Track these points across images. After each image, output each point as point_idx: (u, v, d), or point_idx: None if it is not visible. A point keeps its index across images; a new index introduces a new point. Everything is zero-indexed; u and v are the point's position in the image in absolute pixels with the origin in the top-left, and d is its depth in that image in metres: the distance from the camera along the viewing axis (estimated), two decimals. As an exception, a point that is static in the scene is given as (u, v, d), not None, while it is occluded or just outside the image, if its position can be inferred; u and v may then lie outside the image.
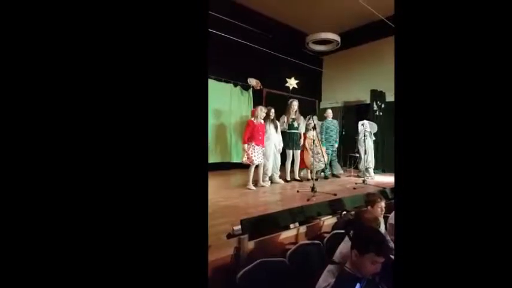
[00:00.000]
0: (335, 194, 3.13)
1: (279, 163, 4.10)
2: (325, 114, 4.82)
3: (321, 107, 7.45)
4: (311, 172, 4.34)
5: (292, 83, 4.09)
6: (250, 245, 1.77)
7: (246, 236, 1.70)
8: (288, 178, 4.23)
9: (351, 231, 1.36)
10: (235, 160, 5.32)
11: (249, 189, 3.57)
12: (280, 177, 4.16)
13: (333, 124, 4.75)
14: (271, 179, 4.02)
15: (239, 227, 1.80)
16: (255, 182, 3.74)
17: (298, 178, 4.31)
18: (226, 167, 5.20)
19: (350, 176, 4.93)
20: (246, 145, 3.62)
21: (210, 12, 4.21)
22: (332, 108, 6.83)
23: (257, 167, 3.73)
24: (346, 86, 6.72)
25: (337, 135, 4.78)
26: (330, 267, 1.46)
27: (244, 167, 4.99)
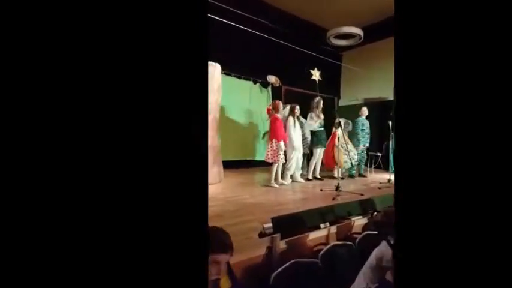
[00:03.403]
0: (362, 194, 3.03)
1: (301, 161, 4.02)
2: (360, 112, 4.70)
3: (340, 104, 7.29)
4: (339, 169, 4.26)
5: (316, 74, 3.99)
6: (282, 244, 1.72)
7: (278, 235, 1.66)
8: (310, 177, 4.15)
9: (390, 238, 1.26)
10: (256, 158, 5.29)
11: (272, 186, 3.53)
12: (301, 175, 4.09)
13: (366, 123, 4.63)
14: (292, 177, 3.96)
15: (269, 225, 1.75)
16: (277, 180, 3.69)
17: (319, 177, 4.23)
18: (245, 164, 5.18)
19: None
20: (281, 143, 3.51)
21: (231, 8, 4.18)
22: (352, 106, 6.70)
23: (280, 164, 3.67)
24: (367, 83, 6.53)
25: (369, 135, 4.66)
26: (364, 270, 1.40)
27: (263, 164, 4.96)
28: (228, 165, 4.41)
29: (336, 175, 4.25)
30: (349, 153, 3.92)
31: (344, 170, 4.36)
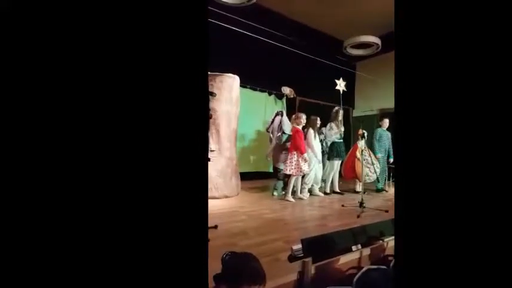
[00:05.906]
0: (387, 211, 2.89)
1: (321, 174, 3.90)
2: (380, 123, 4.51)
3: (354, 114, 7.16)
4: (359, 184, 4.08)
5: (342, 85, 3.85)
6: (312, 269, 1.61)
7: (309, 260, 1.55)
8: (328, 191, 4.02)
9: None
10: (271, 170, 5.18)
11: (288, 201, 3.41)
12: (319, 189, 3.95)
13: (386, 134, 4.42)
14: (310, 191, 3.84)
15: (298, 246, 1.64)
16: (293, 194, 3.57)
17: (338, 191, 4.09)
18: (259, 176, 5.09)
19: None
20: (306, 155, 3.41)
21: (247, 21, 4.17)
22: (367, 117, 6.54)
23: (298, 177, 3.56)
24: (382, 93, 6.39)
25: (391, 148, 4.39)
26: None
27: (270, 177, 4.79)
28: (243, 177, 4.32)
29: (357, 189, 4.11)
30: (373, 166, 3.75)
31: (370, 182, 4.14)
